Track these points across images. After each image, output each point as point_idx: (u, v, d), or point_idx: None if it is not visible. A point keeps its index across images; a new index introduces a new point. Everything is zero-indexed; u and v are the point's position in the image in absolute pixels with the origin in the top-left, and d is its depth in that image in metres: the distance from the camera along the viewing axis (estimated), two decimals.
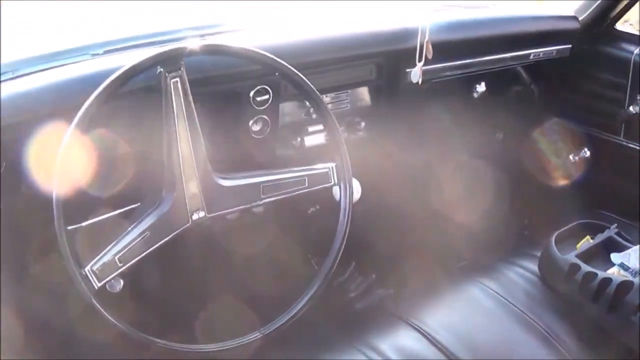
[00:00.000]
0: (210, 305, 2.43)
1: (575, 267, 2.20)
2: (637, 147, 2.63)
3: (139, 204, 1.91)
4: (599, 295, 2.13)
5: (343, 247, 1.97)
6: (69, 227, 1.68)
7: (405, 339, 2.09)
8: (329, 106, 2.29)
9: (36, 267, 2.11)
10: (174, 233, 1.82)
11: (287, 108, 2.29)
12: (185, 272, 2.36)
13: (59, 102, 1.82)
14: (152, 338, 1.79)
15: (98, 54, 2.03)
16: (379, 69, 2.38)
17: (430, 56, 2.12)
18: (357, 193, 2.14)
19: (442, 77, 2.44)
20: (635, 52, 2.58)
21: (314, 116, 2.33)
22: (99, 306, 1.70)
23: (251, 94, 2.12)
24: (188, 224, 1.84)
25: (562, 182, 2.89)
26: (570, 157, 2.85)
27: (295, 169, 1.95)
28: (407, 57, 2.30)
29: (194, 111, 1.78)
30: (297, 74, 1.89)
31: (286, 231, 2.56)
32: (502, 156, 2.99)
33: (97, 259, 1.71)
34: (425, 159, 2.75)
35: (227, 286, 2.45)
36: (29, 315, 2.12)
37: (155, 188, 1.83)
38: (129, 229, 1.76)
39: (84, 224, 1.80)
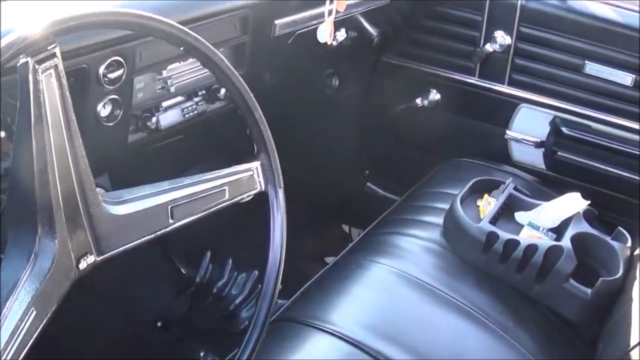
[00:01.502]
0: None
1: (493, 236, 1.78)
2: (495, 87, 2.24)
3: None
4: (524, 264, 1.75)
5: (281, 272, 1.37)
6: None
7: (321, 347, 1.57)
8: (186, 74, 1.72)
9: None
10: (63, 295, 1.12)
11: (140, 82, 1.63)
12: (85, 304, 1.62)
13: None
14: None
15: None
16: (244, 23, 1.77)
17: (342, 9, 1.44)
18: None
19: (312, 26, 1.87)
20: None
21: (172, 89, 1.70)
22: None
23: (101, 70, 1.47)
24: (75, 277, 1.14)
25: (411, 128, 2.43)
26: (418, 101, 2.38)
27: (208, 176, 1.29)
28: (277, 7, 1.81)
29: (73, 114, 1.11)
30: (209, 47, 1.26)
31: None
32: (340, 104, 2.49)
33: None
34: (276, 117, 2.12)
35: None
36: None
37: (21, 235, 1.12)
38: (4, 310, 1.04)
39: None
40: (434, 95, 2.36)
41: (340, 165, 2.56)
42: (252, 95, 1.30)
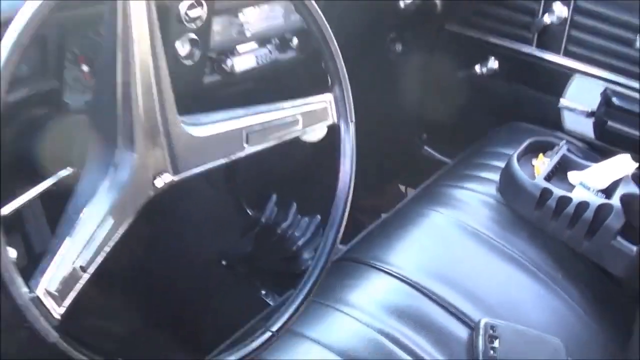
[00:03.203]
0: (189, 300, 1.64)
1: (547, 192, 1.69)
2: (551, 57, 2.12)
3: (68, 169, 1.11)
4: (576, 221, 1.66)
5: (349, 205, 1.26)
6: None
7: (386, 289, 1.50)
8: (262, 21, 1.63)
9: None
10: (139, 209, 1.04)
11: (218, 25, 1.53)
12: (154, 238, 1.54)
13: None
14: None
15: None
16: None
17: None
18: (321, 132, 1.34)
19: None
20: None
21: (247, 34, 1.60)
22: (68, 346, 0.92)
23: (182, 7, 1.37)
24: (151, 193, 1.06)
25: (469, 94, 2.32)
26: (477, 68, 2.27)
27: (283, 105, 1.20)
28: None
29: (159, 32, 1.02)
30: None
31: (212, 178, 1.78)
32: (401, 69, 2.39)
33: (49, 272, 0.92)
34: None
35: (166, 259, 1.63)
36: None
37: (102, 148, 1.04)
38: (82, 215, 0.97)
39: (6, 212, 0.99)
40: (493, 63, 2.24)
41: (399, 127, 2.46)
42: (329, 28, 1.20)
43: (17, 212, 1.08)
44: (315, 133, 1.35)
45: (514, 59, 2.19)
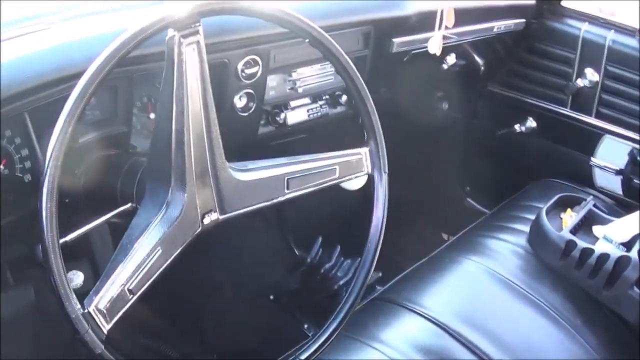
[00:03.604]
0: (211, 313, 1.68)
1: (571, 244, 1.72)
2: (584, 118, 2.13)
3: (129, 204, 1.20)
4: (597, 271, 1.68)
5: (379, 247, 1.30)
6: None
7: (414, 328, 1.54)
8: (313, 79, 1.70)
9: None
10: (186, 242, 1.11)
11: (272, 81, 1.61)
12: (179, 274, 1.58)
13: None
14: None
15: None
16: (366, 38, 1.73)
17: (451, 24, 1.39)
18: (359, 183, 1.43)
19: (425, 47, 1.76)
20: (582, 28, 2.07)
21: (299, 90, 1.67)
22: (111, 357, 1.00)
23: (239, 65, 1.46)
24: (199, 230, 1.13)
25: (508, 151, 2.35)
26: (516, 127, 2.30)
27: (322, 156, 1.26)
28: (396, 25, 1.75)
29: (210, 87, 1.10)
30: (329, 40, 1.22)
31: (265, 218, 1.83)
32: (447, 126, 2.44)
33: (102, 292, 1.00)
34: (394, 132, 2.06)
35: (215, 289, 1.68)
36: None
37: (157, 186, 1.12)
38: (135, 245, 1.05)
39: (68, 238, 1.05)
40: (531, 123, 2.27)
41: (443, 180, 2.50)
42: (365, 87, 1.26)
43: (87, 240, 1.16)
44: (356, 182, 1.40)
45: (550, 119, 2.21)
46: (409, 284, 1.68)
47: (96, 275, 1.40)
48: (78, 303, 0.97)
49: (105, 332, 0.99)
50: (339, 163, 1.26)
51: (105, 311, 0.99)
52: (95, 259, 1.47)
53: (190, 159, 1.09)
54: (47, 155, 0.95)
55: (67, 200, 1.30)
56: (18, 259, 1.49)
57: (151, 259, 1.04)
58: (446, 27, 1.50)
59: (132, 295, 1.02)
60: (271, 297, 2.01)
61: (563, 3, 2.16)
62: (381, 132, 1.29)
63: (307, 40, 1.20)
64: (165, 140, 1.08)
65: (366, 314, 1.57)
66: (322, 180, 1.25)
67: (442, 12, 1.50)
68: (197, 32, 1.04)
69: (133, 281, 1.02)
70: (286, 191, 1.22)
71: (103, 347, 0.98)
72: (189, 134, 1.07)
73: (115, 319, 1.00)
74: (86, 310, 0.97)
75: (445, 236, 2.53)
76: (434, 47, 1.55)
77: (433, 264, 1.77)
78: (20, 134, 1.27)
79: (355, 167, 1.28)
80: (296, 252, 2.10)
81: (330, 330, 1.26)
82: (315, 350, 1.24)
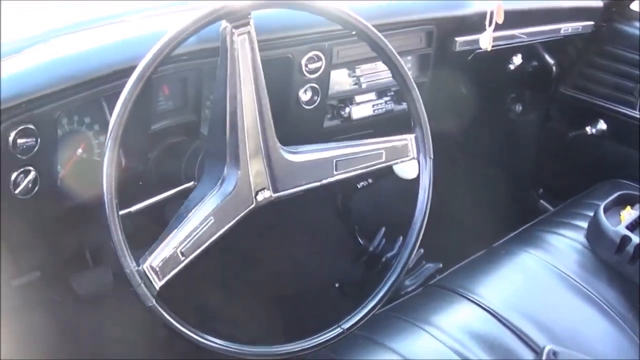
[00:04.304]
0: (268, 297, 1.78)
1: (626, 239, 1.74)
2: None
3: (192, 182, 1.35)
4: None
5: (423, 229, 1.38)
6: (124, 212, 1.14)
7: (465, 314, 1.59)
8: (377, 75, 1.77)
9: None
10: (239, 217, 1.22)
11: (337, 77, 1.70)
12: (240, 257, 1.69)
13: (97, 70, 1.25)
14: (219, 344, 1.19)
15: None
16: (429, 37, 1.80)
17: (500, 21, 1.46)
18: (414, 171, 1.45)
19: (495, 46, 1.81)
20: None
21: (363, 86, 1.75)
22: (162, 311, 1.11)
23: (303, 60, 1.55)
24: (252, 206, 1.24)
25: (579, 152, 2.38)
26: (587, 129, 2.33)
27: (369, 141, 1.36)
28: (459, 24, 1.82)
29: (262, 73, 1.21)
30: (377, 34, 1.31)
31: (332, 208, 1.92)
32: (520, 128, 2.48)
33: (156, 252, 1.12)
34: (458, 130, 2.10)
35: (279, 275, 1.78)
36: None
37: (214, 164, 1.24)
38: (190, 214, 1.17)
39: (132, 209, 1.23)
40: (602, 125, 2.30)
41: (518, 182, 2.54)
42: (411, 77, 1.35)
43: (161, 212, 1.29)
44: (411, 170, 1.49)
45: (620, 121, 2.23)
46: (465, 273, 1.74)
47: None
48: (134, 261, 1.10)
49: (157, 288, 1.11)
50: (385, 148, 1.35)
51: (157, 269, 1.11)
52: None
53: (244, 139, 1.20)
54: (109, 129, 1.08)
55: (140, 183, 1.44)
56: (98, 242, 1.64)
57: (204, 227, 1.16)
58: (497, 24, 1.56)
59: (184, 258, 1.14)
60: (337, 285, 2.11)
61: (632, 6, 2.19)
62: (427, 119, 1.37)
63: (353, 32, 1.30)
64: (220, 122, 1.20)
65: (421, 300, 1.65)
66: (368, 164, 1.34)
67: (492, 10, 1.56)
68: (248, 24, 1.16)
69: (185, 245, 1.14)
70: (335, 172, 1.32)
71: (154, 301, 1.11)
72: (242, 116, 1.19)
73: (168, 277, 1.12)
74: (140, 267, 1.10)
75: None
76: (485, 42, 1.62)
77: (490, 255, 1.82)
78: (98, 120, 1.42)
79: (401, 152, 1.37)
80: (360, 241, 2.18)
81: (373, 303, 1.35)
82: (358, 321, 1.33)
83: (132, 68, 1.11)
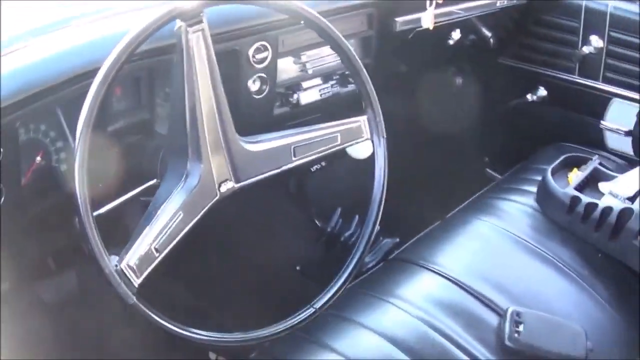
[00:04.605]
0: (240, 285, 1.82)
1: (576, 200, 1.82)
2: (591, 83, 2.24)
3: (154, 180, 1.38)
4: (601, 224, 1.78)
5: (382, 206, 1.44)
6: (95, 214, 1.14)
7: (427, 283, 1.66)
8: (323, 60, 1.82)
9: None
10: (205, 209, 1.27)
11: (283, 65, 1.74)
12: (209, 250, 1.72)
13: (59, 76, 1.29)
14: (202, 334, 1.25)
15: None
16: (370, 19, 1.85)
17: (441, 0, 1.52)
18: (367, 151, 1.53)
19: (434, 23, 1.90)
20: None
21: (309, 72, 1.80)
22: (144, 308, 1.16)
23: (250, 51, 1.59)
24: (217, 197, 1.29)
25: (521, 119, 2.47)
26: (528, 96, 2.41)
27: (324, 125, 1.41)
28: (398, 5, 1.87)
29: (217, 68, 1.25)
30: (324, 22, 1.36)
31: (287, 193, 1.96)
32: (462, 100, 2.55)
33: (131, 251, 1.16)
34: (403, 108, 2.16)
35: (242, 264, 1.82)
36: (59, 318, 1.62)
37: (177, 160, 1.28)
38: (159, 211, 1.21)
39: (102, 210, 1.25)
40: (542, 92, 2.38)
41: (464, 152, 2.61)
42: (359, 60, 1.40)
43: (120, 212, 1.32)
44: (363, 150, 1.55)
45: (559, 86, 2.31)
46: (424, 245, 1.81)
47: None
48: (111, 261, 1.14)
49: (137, 285, 1.15)
50: (340, 131, 1.40)
51: (135, 267, 1.15)
52: (127, 227, 1.63)
53: (204, 133, 1.24)
54: (77, 132, 1.11)
55: (100, 185, 1.47)
56: (60, 247, 1.66)
57: (174, 222, 1.20)
58: (437, 3, 1.62)
59: (158, 254, 1.18)
60: (297, 267, 2.16)
61: None
62: (377, 99, 1.42)
63: (302, 22, 1.35)
64: (180, 118, 1.24)
65: (383, 273, 1.71)
66: (325, 147, 1.39)
67: None
68: (201, 21, 1.20)
69: (158, 241, 1.18)
70: (293, 158, 1.36)
71: (135, 298, 1.15)
72: (201, 111, 1.23)
73: (145, 274, 1.16)
74: (118, 267, 1.14)
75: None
76: (427, 21, 1.68)
77: (446, 225, 1.89)
78: (54, 127, 1.44)
79: (356, 134, 1.42)
80: (317, 223, 2.23)
81: (342, 281, 1.40)
82: (328, 300, 1.38)
83: (88, 73, 1.14)
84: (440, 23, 1.91)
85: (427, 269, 1.68)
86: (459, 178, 2.54)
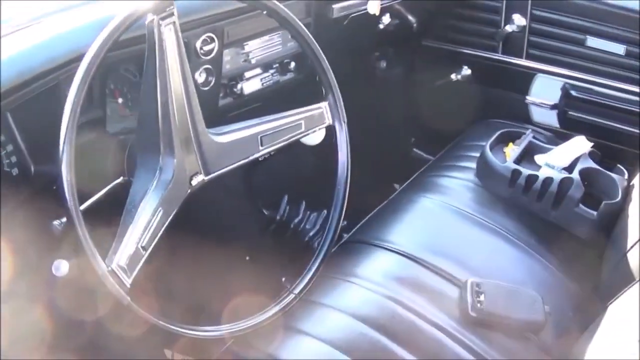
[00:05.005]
0: (194, 281, 1.83)
1: (516, 173, 1.91)
2: (515, 60, 2.35)
3: (121, 178, 1.38)
4: (543, 194, 1.88)
5: (347, 191, 1.50)
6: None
7: (385, 261, 1.71)
8: (264, 49, 1.85)
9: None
10: (180, 202, 1.30)
11: (227, 55, 1.75)
12: (188, 243, 1.73)
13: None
14: (196, 330, 1.30)
15: None
16: (308, 7, 1.90)
17: None
18: (319, 138, 1.64)
19: (363, 10, 1.98)
20: None
21: (252, 61, 1.82)
22: (136, 307, 1.19)
23: (198, 43, 1.60)
24: (188, 191, 1.31)
25: (447, 100, 2.54)
26: (452, 76, 2.50)
27: (288, 113, 1.45)
28: None
29: (187, 61, 1.28)
30: (283, 9, 1.41)
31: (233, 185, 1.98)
32: (388, 82, 2.60)
33: (119, 251, 1.18)
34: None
35: (195, 258, 1.84)
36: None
37: (148, 156, 1.29)
38: (139, 208, 1.23)
39: (81, 207, 1.20)
40: (466, 71, 2.46)
41: (391, 134, 2.66)
42: (319, 48, 1.43)
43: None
44: (315, 137, 1.58)
45: (483, 65, 2.40)
46: (375, 225, 1.85)
47: None
48: (103, 262, 1.14)
49: (129, 285, 1.16)
50: (303, 118, 1.44)
51: (125, 267, 1.16)
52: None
53: (176, 127, 1.25)
54: (62, 135, 1.10)
55: (54, 187, 1.45)
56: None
57: (155, 218, 1.22)
58: None
59: (144, 252, 1.19)
60: (247, 258, 2.18)
61: None
62: (337, 86, 1.46)
63: (264, 12, 1.37)
64: (152, 113, 1.24)
65: (341, 256, 1.74)
66: (290, 135, 1.43)
67: None
68: (172, 14, 1.21)
69: (144, 239, 1.19)
70: (260, 148, 1.40)
71: (129, 298, 1.15)
72: (173, 105, 1.24)
73: (135, 273, 1.17)
74: (109, 268, 1.14)
75: (396, 186, 2.71)
76: (373, 8, 1.72)
77: (393, 205, 1.95)
78: (4, 131, 1.41)
79: (318, 120, 1.46)
80: (265, 212, 2.26)
81: (317, 264, 1.45)
82: (306, 284, 1.42)
83: (37, 77, 1.13)
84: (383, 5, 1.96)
85: (382, 247, 1.73)
86: (390, 159, 2.61)
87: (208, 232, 2.07)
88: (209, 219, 2.09)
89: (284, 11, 1.38)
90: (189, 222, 1.41)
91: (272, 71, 1.89)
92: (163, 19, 1.19)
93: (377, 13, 1.77)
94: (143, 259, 1.19)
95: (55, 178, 1.43)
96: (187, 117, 1.27)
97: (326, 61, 1.46)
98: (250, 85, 1.84)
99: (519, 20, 2.26)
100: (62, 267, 1.38)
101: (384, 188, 2.53)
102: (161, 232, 1.23)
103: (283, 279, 1.95)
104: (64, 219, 1.23)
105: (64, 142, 1.10)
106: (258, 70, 1.86)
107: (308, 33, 1.42)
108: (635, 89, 2.12)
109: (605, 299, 1.49)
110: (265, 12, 1.38)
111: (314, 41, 1.44)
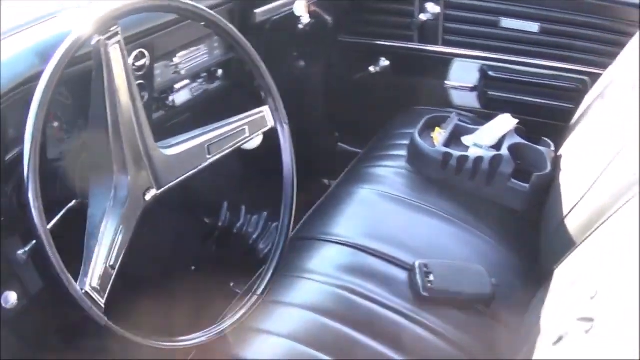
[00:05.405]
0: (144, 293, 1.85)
1: (447, 155, 1.99)
2: (432, 48, 2.46)
3: (74, 201, 1.37)
4: (475, 173, 1.97)
5: (295, 188, 1.55)
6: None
7: (333, 254, 1.76)
8: (192, 60, 1.88)
9: None
10: (138, 218, 1.33)
11: (158, 69, 1.77)
12: (133, 262, 1.75)
13: None
14: (177, 342, 1.35)
15: None
16: (231, 14, 1.94)
17: None
18: (257, 142, 1.64)
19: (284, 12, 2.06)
20: None
21: (182, 72, 1.85)
22: (115, 327, 1.22)
23: (130, 60, 1.61)
24: (143, 206, 1.35)
25: (368, 92, 2.63)
26: (371, 68, 2.58)
27: (231, 120, 1.51)
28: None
29: (133, 78, 1.33)
30: (219, 18, 1.48)
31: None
32: (308, 80, 2.65)
33: (90, 273, 1.21)
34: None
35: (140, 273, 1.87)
36: None
37: (101, 176, 1.32)
38: (101, 228, 1.26)
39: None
40: (384, 62, 2.54)
41: (315, 130, 2.72)
42: (257, 53, 1.49)
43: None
44: (254, 141, 1.64)
45: (401, 55, 2.49)
46: (317, 220, 1.91)
47: None
48: (77, 285, 1.17)
49: (103, 305, 1.19)
50: (247, 123, 1.50)
51: (98, 287, 1.19)
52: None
53: (127, 145, 1.29)
54: (25, 163, 1.13)
55: (2, 218, 1.46)
56: None
57: (119, 236, 1.25)
58: None
59: (113, 271, 1.23)
60: (192, 268, 2.21)
61: None
62: (276, 89, 1.52)
63: (202, 23, 1.42)
64: (102, 132, 1.27)
65: (290, 254, 1.78)
66: (236, 141, 1.48)
67: None
68: (117, 33, 1.25)
69: (111, 258, 1.23)
70: (208, 156, 1.45)
71: (106, 319, 1.19)
72: (124, 123, 1.28)
73: (106, 293, 1.21)
74: (83, 291, 1.17)
75: (325, 182, 2.78)
76: (300, 10, 1.78)
77: (332, 199, 2.01)
78: None
79: (261, 124, 1.52)
80: (206, 221, 2.29)
81: (274, 263, 1.50)
82: (267, 284, 1.48)
83: None
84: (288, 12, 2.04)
85: (328, 241, 1.79)
86: (314, 156, 2.67)
87: (151, 247, 2.09)
88: (150, 234, 2.11)
89: (221, 21, 1.43)
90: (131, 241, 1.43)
91: (200, 80, 1.93)
92: (109, 38, 1.22)
93: (305, 14, 1.82)
94: (112, 278, 1.22)
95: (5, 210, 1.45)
96: (136, 134, 1.30)
97: (264, 65, 1.50)
98: (181, 96, 1.88)
99: (432, 8, 2.36)
100: (11, 298, 1.42)
101: (313, 184, 2.59)
102: (124, 249, 1.26)
103: (231, 284, 2.01)
104: (27, 248, 1.25)
105: (28, 170, 1.12)
106: (187, 81, 1.89)
107: (246, 41, 1.47)
108: (551, 63, 2.23)
109: (549, 263, 1.58)
110: (203, 24, 1.42)
111: (252, 48, 1.48)
